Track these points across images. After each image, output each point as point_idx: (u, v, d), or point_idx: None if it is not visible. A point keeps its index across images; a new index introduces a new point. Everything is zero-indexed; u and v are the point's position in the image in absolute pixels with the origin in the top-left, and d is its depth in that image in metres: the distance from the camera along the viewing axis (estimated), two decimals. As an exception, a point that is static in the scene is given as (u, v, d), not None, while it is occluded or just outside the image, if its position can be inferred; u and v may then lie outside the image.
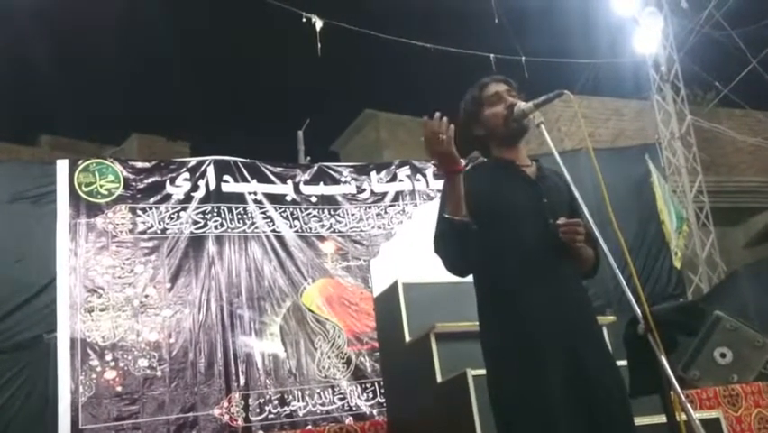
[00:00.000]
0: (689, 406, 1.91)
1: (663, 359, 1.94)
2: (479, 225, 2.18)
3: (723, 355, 4.75)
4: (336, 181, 6.74)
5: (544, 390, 1.99)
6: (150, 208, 6.04)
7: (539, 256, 2.15)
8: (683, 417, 1.99)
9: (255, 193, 6.40)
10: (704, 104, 10.44)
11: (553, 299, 2.12)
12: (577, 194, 2.21)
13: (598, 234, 2.14)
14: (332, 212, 6.58)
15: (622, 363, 2.36)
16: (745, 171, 10.95)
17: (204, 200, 6.21)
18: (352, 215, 6.62)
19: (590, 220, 2.15)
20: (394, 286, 3.74)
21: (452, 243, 2.19)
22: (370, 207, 6.70)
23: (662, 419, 2.26)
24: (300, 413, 5.78)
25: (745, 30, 8.61)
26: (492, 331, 2.19)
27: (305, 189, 6.59)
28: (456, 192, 2.15)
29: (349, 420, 5.70)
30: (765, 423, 4.22)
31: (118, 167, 6.11)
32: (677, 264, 7.36)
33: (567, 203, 2.30)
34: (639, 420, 2.86)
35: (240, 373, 5.75)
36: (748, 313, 5.72)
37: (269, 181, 6.51)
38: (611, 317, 3.99)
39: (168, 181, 6.19)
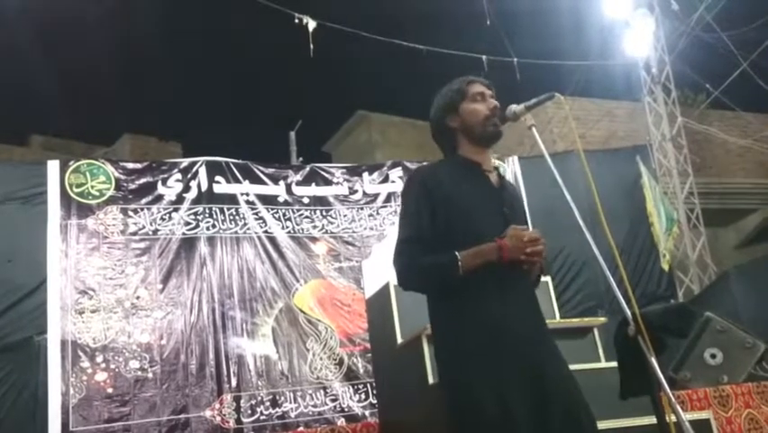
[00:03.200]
0: (678, 407, 1.92)
1: (653, 360, 1.95)
2: (440, 227, 2.18)
3: (713, 356, 4.77)
4: (328, 182, 6.73)
5: (502, 396, 1.98)
6: (142, 209, 6.02)
7: (498, 265, 2.11)
8: (673, 418, 2.00)
9: (247, 194, 6.39)
10: (695, 106, 10.49)
11: (511, 308, 2.11)
12: (572, 201, 2.21)
13: (588, 235, 2.15)
14: (324, 213, 6.57)
15: (613, 364, 2.37)
16: (735, 173, 11.02)
17: (196, 201, 6.19)
18: (345, 216, 6.62)
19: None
20: (386, 287, 3.75)
21: (436, 285, 2.18)
22: (362, 209, 6.70)
23: (653, 420, 2.27)
24: (292, 414, 5.78)
25: (735, 32, 8.66)
26: (448, 339, 2.15)
27: (297, 190, 6.58)
28: (487, 265, 2.11)
29: (341, 422, 5.70)
30: (755, 424, 4.24)
31: (109, 168, 6.08)
32: (665, 267, 7.39)
33: (524, 216, 2.33)
34: (630, 422, 2.88)
35: (231, 375, 5.74)
36: (739, 314, 5.75)
37: (262, 182, 6.50)
38: (602, 319, 4.01)
39: (159, 182, 6.17)
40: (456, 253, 2.10)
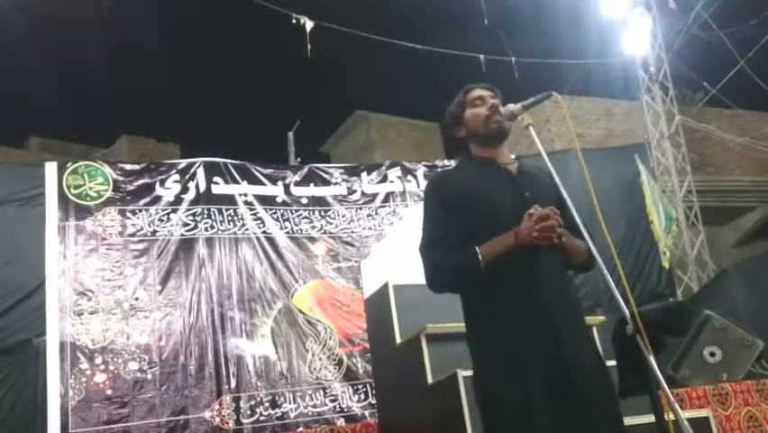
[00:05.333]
0: (677, 406, 1.91)
1: (652, 359, 1.94)
2: (462, 224, 2.21)
3: (712, 354, 4.77)
4: (327, 183, 6.73)
5: (523, 389, 2.00)
6: (140, 210, 6.01)
7: (519, 252, 2.13)
8: (672, 416, 2.00)
9: (245, 195, 6.39)
10: (693, 104, 10.49)
11: (533, 297, 2.11)
12: (564, 191, 2.22)
13: (587, 234, 2.14)
14: (322, 213, 6.57)
15: (611, 363, 2.37)
16: (733, 171, 11.02)
17: (194, 202, 6.19)
18: (343, 216, 6.61)
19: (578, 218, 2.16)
20: (385, 287, 3.74)
21: (463, 281, 2.23)
22: (360, 209, 6.70)
23: (651, 418, 2.27)
24: (291, 415, 5.77)
25: (732, 30, 8.66)
26: (475, 329, 2.21)
27: (295, 191, 6.58)
28: (506, 253, 2.14)
29: (340, 422, 5.70)
30: (755, 422, 4.24)
31: (107, 169, 6.08)
32: (665, 264, 7.40)
33: (553, 198, 2.28)
34: (628, 420, 2.87)
35: (231, 376, 5.74)
36: (738, 312, 5.75)
37: (260, 183, 6.50)
38: (601, 317, 4.00)
39: (157, 183, 6.16)
40: (476, 247, 2.15)
